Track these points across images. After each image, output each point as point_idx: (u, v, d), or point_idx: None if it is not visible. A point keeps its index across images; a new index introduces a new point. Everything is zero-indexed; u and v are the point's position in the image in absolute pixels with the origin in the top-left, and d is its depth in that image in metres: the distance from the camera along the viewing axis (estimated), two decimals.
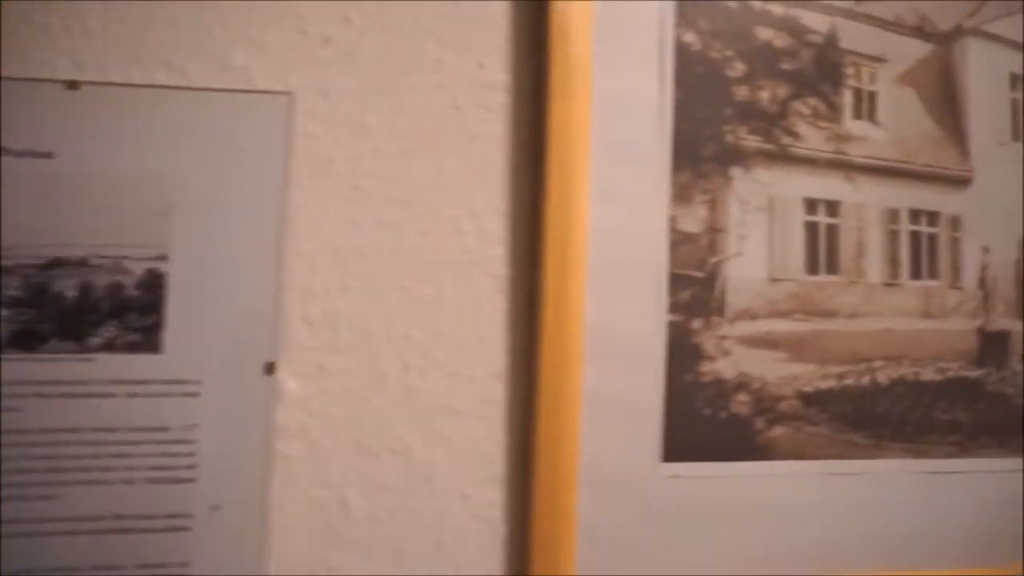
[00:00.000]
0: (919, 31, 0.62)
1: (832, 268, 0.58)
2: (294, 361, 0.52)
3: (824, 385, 0.57)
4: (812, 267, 0.58)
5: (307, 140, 0.53)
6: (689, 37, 0.57)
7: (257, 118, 0.51)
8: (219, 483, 0.48)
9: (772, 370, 0.57)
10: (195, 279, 0.49)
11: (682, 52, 0.57)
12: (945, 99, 0.62)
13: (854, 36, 0.60)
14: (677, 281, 0.56)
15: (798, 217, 0.58)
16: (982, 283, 0.62)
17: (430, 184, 0.55)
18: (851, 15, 0.60)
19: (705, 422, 0.55)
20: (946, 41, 0.63)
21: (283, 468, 0.51)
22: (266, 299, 0.50)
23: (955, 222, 0.61)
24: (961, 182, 0.62)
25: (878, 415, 0.58)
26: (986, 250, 0.62)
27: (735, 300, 0.56)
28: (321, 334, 0.52)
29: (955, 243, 0.61)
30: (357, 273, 0.53)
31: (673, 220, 0.56)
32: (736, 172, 0.57)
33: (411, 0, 0.54)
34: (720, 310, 0.56)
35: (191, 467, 0.48)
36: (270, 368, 0.49)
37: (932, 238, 0.61)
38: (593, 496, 0.53)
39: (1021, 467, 0.62)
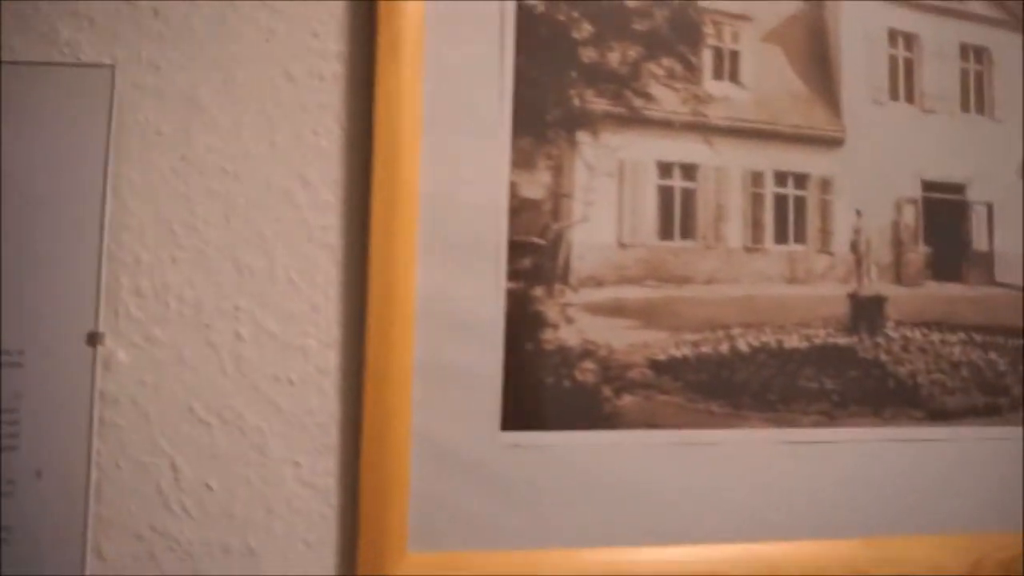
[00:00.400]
0: None
1: (687, 233, 0.60)
2: (124, 332, 0.55)
3: (677, 353, 0.59)
4: (666, 232, 0.60)
5: (137, 112, 0.57)
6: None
7: (81, 92, 0.55)
8: (42, 450, 0.52)
9: (620, 338, 0.58)
10: (16, 252, 0.53)
11: (524, 15, 0.59)
12: (816, 57, 0.63)
13: None
14: (517, 248, 0.58)
15: (651, 181, 0.60)
16: (854, 247, 0.63)
17: (262, 155, 0.58)
18: None
19: (548, 391, 0.57)
20: None
21: (113, 436, 0.55)
22: (90, 271, 0.54)
23: (825, 184, 0.62)
24: (832, 143, 0.63)
25: (737, 383, 0.60)
26: (859, 213, 0.63)
27: (580, 267, 0.58)
28: (151, 305, 0.56)
29: (825, 206, 0.62)
30: (187, 244, 0.56)
31: (513, 187, 0.58)
32: (583, 136, 0.59)
33: None
34: (564, 277, 0.58)
35: (14, 435, 0.52)
36: (92, 339, 0.53)
37: (800, 201, 0.62)
38: (428, 465, 0.56)
39: (895, 436, 0.63)
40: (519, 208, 0.61)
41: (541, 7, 0.63)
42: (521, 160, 0.62)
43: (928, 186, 0.68)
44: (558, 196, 0.62)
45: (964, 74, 0.70)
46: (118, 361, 0.58)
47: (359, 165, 0.62)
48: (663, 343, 0.63)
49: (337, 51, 0.62)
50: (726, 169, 0.64)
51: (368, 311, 0.59)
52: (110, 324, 0.58)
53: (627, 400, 0.62)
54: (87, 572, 0.55)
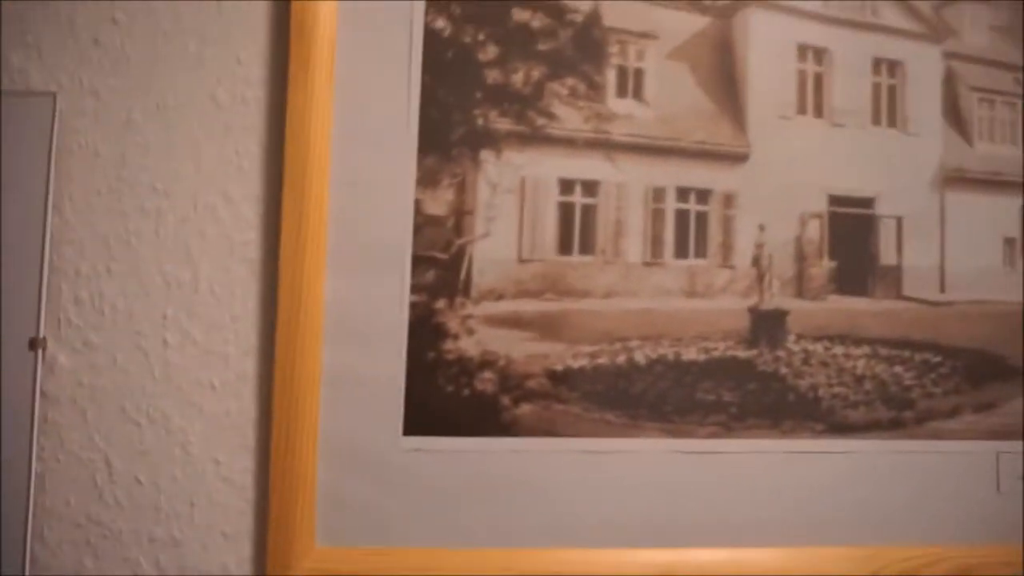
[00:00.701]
0: (695, 4, 0.69)
1: (586, 248, 0.67)
2: (64, 338, 0.65)
3: (574, 364, 0.67)
4: (565, 247, 0.67)
5: (77, 136, 0.69)
6: (440, 23, 0.67)
7: (26, 116, 0.67)
8: None
9: (519, 349, 0.66)
10: None
11: (432, 39, 0.67)
12: (722, 73, 0.70)
13: (620, 13, 0.69)
14: (420, 263, 0.66)
15: (552, 198, 0.67)
16: (756, 261, 0.69)
17: (190, 174, 0.68)
18: None
19: (448, 398, 0.66)
20: (726, 14, 0.70)
21: (54, 433, 0.66)
22: (33, 282, 0.63)
23: (728, 199, 0.69)
24: (737, 158, 0.69)
25: (633, 394, 0.67)
26: (762, 228, 0.69)
27: (481, 280, 0.66)
28: (88, 313, 0.66)
29: (728, 221, 0.69)
30: (121, 258, 0.67)
31: (418, 204, 0.66)
32: (486, 155, 0.67)
33: (175, 1, 0.64)
34: (465, 290, 0.66)
35: None
36: (34, 343, 0.63)
37: (701, 216, 0.69)
38: (334, 466, 0.66)
39: (793, 448, 0.69)
40: (423, 224, 0.70)
41: (448, 30, 0.70)
42: (426, 178, 0.70)
43: (835, 200, 0.74)
44: (461, 213, 0.70)
45: (876, 88, 0.76)
46: (59, 364, 0.69)
47: (278, 184, 0.70)
48: (561, 354, 0.70)
49: (259, 76, 0.72)
50: (627, 185, 0.72)
51: (278, 321, 0.67)
52: (52, 331, 0.69)
53: (525, 409, 0.70)
54: (28, 555, 0.65)
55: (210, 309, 0.75)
